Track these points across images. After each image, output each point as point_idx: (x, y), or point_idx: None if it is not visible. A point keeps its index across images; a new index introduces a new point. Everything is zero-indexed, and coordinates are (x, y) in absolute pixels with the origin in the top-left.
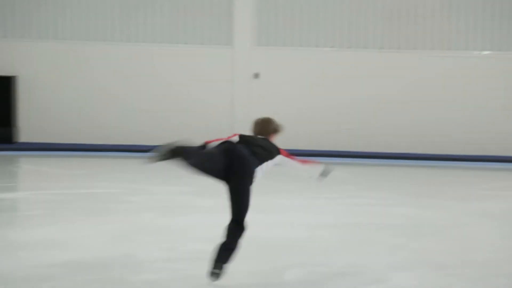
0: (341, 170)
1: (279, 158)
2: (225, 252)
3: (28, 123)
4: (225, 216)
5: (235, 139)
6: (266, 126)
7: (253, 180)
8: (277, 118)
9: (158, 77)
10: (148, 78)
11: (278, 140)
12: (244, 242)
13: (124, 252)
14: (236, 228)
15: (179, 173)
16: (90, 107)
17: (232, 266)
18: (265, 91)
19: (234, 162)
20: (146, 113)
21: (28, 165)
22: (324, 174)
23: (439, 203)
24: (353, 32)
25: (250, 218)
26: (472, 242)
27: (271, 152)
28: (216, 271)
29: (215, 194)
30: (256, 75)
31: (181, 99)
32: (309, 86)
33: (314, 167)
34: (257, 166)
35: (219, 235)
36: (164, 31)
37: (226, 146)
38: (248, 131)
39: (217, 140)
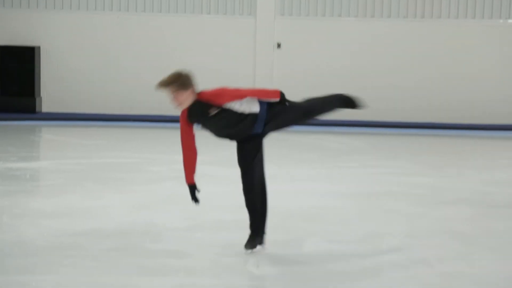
0: (360, 140)
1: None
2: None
3: (50, 93)
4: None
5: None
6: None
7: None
8: (299, 88)
9: (180, 48)
10: (170, 48)
11: None
12: None
13: (144, 221)
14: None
15: (200, 143)
16: (112, 77)
17: None
18: (287, 61)
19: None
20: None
21: (50, 135)
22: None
23: (459, 172)
24: (377, 1)
25: (270, 187)
26: (493, 211)
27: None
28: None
29: (235, 165)
30: (279, 45)
31: (203, 69)
32: (332, 56)
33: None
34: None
35: (239, 205)
36: (187, 1)
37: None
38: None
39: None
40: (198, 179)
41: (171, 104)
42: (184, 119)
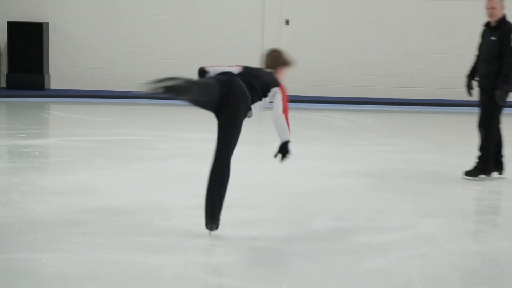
0: (369, 118)
1: (274, 90)
2: (219, 201)
3: (59, 70)
4: (254, 164)
5: (237, 69)
6: (275, 58)
7: (247, 116)
8: (307, 64)
9: (188, 25)
10: (178, 26)
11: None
12: (272, 189)
13: (153, 198)
14: (222, 171)
15: (209, 120)
16: (121, 54)
17: (260, 214)
18: (295, 38)
19: (230, 96)
20: (175, 61)
21: (59, 112)
22: (282, 150)
23: (468, 150)
24: None
25: (278, 166)
26: (501, 189)
27: (268, 85)
28: (214, 226)
29: (243, 142)
30: (287, 22)
31: (211, 46)
32: (339, 33)
33: (284, 132)
34: (254, 102)
35: (246, 183)
36: None
37: (225, 78)
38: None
39: (217, 66)
40: (204, 157)
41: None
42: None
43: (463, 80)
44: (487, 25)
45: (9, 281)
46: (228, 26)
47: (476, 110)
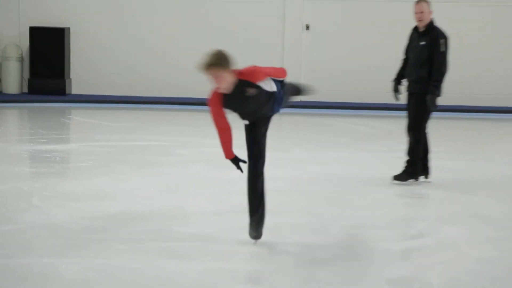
0: (391, 124)
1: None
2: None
3: (80, 75)
4: (272, 170)
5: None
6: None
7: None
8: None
9: (209, 29)
10: (199, 31)
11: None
12: (292, 194)
13: (172, 204)
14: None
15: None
16: (141, 60)
17: (279, 219)
18: (316, 43)
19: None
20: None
21: (80, 117)
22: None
23: (489, 156)
24: None
25: (299, 171)
26: None
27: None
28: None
29: None
30: (307, 27)
31: (232, 51)
32: (360, 38)
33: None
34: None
35: (266, 188)
36: None
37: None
38: (298, 80)
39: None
40: (222, 162)
41: (213, 86)
42: (216, 102)
43: (483, 86)
44: (415, 29)
45: (29, 286)
46: (249, 31)
47: (499, 116)
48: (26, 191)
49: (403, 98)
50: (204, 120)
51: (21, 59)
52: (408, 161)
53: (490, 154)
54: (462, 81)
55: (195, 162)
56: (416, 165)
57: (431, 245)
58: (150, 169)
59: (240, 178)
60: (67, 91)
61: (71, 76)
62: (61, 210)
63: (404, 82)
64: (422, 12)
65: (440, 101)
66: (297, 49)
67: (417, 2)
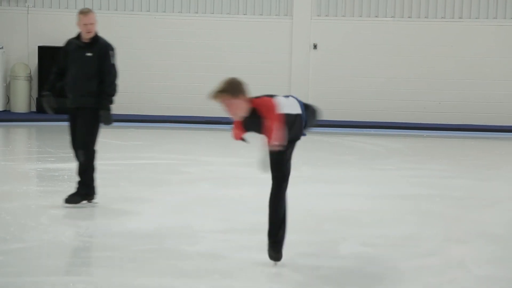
0: (398, 142)
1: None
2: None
3: None
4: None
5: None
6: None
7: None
8: (334, 88)
9: (216, 49)
10: (206, 49)
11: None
12: (300, 213)
13: (180, 222)
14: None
15: (235, 145)
16: (147, 79)
17: (289, 238)
18: (323, 62)
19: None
20: (203, 85)
21: None
22: (262, 163)
23: (498, 174)
24: (414, 2)
25: (307, 189)
26: None
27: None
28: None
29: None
30: (315, 46)
31: (239, 70)
32: (368, 57)
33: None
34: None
35: None
36: (224, 2)
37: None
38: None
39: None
40: (231, 181)
41: (227, 113)
42: (238, 124)
43: (491, 105)
44: (77, 39)
45: None
46: (257, 50)
47: (507, 135)
48: (34, 210)
49: (59, 111)
50: (213, 138)
51: (30, 78)
52: (80, 182)
53: (498, 172)
54: (470, 100)
55: (203, 180)
56: (90, 185)
57: (440, 264)
58: (158, 187)
59: (246, 197)
60: None
61: None
62: (69, 229)
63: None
64: (92, 24)
65: (449, 119)
66: (304, 68)
67: (87, 13)
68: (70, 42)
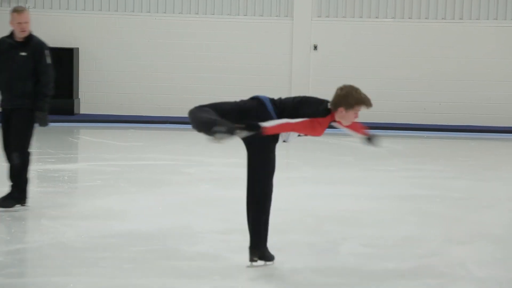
0: (398, 143)
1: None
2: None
3: (88, 95)
4: (280, 189)
5: None
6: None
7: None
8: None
9: (217, 50)
10: (207, 50)
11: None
12: (300, 213)
13: (180, 223)
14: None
15: (235, 145)
16: (149, 80)
17: (289, 238)
18: (324, 63)
19: None
20: (204, 86)
21: (88, 137)
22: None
23: (497, 176)
24: (415, 3)
25: (307, 190)
26: None
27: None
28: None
29: None
30: (315, 47)
31: (239, 71)
32: (368, 58)
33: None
34: None
35: (273, 207)
36: (224, 3)
37: None
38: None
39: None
40: (231, 181)
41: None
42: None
43: (491, 106)
44: (11, 38)
45: None
46: (257, 51)
47: (507, 136)
48: (34, 211)
49: None
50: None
51: None
52: (14, 186)
53: (498, 173)
54: (470, 101)
55: (203, 181)
56: (24, 189)
57: (440, 265)
58: (158, 188)
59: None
60: (75, 111)
61: (80, 96)
62: (69, 229)
63: None
64: (27, 23)
65: (449, 120)
66: (305, 69)
67: (21, 12)
68: (2, 41)
